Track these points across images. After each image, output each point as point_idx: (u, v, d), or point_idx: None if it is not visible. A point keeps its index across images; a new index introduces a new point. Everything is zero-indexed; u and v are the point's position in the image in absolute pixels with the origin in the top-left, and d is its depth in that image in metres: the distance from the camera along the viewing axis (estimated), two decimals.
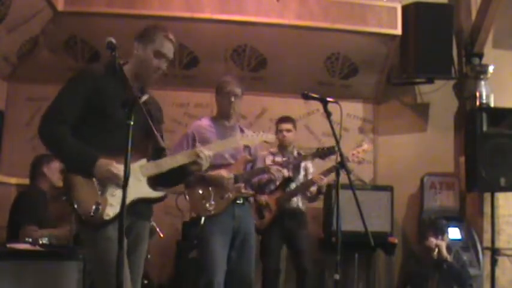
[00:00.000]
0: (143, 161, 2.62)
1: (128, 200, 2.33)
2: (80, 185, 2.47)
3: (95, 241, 2.48)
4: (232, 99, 3.61)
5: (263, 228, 4.60)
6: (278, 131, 4.78)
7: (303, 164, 4.68)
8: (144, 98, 2.61)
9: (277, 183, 4.53)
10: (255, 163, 3.84)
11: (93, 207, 2.44)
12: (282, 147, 4.79)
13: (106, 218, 2.48)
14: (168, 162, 2.63)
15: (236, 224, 3.56)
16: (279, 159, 4.67)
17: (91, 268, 2.56)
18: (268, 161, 4.63)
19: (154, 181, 2.65)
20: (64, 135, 2.50)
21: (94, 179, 2.50)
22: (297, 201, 4.69)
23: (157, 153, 2.67)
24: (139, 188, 2.56)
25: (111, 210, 2.49)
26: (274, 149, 4.81)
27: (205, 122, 3.73)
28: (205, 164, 2.71)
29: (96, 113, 2.54)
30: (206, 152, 2.70)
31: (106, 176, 2.48)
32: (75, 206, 2.44)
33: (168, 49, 2.66)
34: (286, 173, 4.44)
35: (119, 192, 2.47)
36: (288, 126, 4.78)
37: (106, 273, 2.41)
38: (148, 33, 2.65)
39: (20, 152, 5.32)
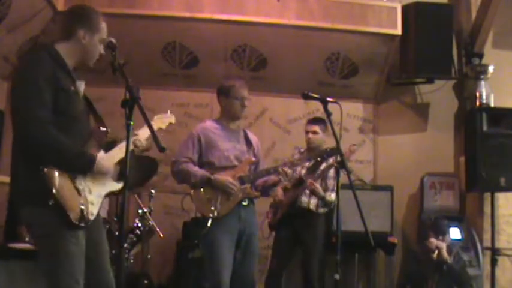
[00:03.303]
0: (101, 153, 2.61)
1: (104, 194, 2.46)
2: (62, 187, 2.39)
3: (63, 242, 2.40)
4: (247, 103, 3.67)
5: (273, 225, 4.61)
6: (306, 132, 4.73)
7: (322, 167, 4.52)
8: (83, 85, 2.62)
9: (287, 184, 4.50)
10: (258, 165, 3.84)
11: (80, 208, 2.42)
12: (309, 148, 4.70)
13: (91, 217, 2.48)
14: (117, 152, 2.62)
15: (242, 226, 3.58)
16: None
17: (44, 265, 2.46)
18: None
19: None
20: (58, 134, 2.43)
21: (71, 179, 2.44)
22: (308, 202, 4.59)
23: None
24: (107, 182, 2.60)
25: (94, 209, 2.51)
26: (303, 149, 4.76)
27: (210, 124, 3.73)
28: (142, 146, 2.72)
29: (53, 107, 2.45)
30: (141, 138, 2.70)
31: (106, 171, 2.52)
32: (66, 210, 2.37)
33: (106, 33, 2.67)
34: (290, 173, 4.41)
35: (94, 190, 2.51)
36: (314, 128, 4.67)
37: (64, 272, 2.39)
38: (93, 20, 2.63)
39: None
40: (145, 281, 4.66)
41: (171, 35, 5.38)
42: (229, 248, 3.51)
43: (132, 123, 2.31)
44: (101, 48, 2.65)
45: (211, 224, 3.45)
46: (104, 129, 2.66)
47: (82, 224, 2.42)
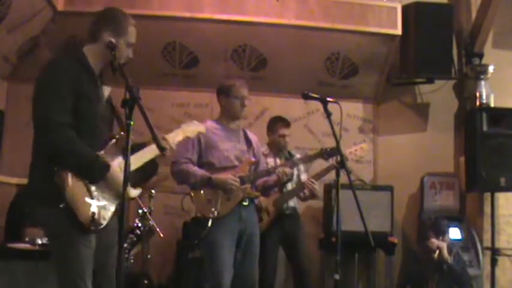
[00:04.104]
0: (120, 158, 2.60)
1: (117, 200, 2.43)
2: (74, 190, 2.40)
3: (73, 243, 2.41)
4: (247, 103, 3.67)
5: (261, 231, 4.58)
6: (278, 134, 4.69)
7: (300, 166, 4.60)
8: (108, 90, 2.64)
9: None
10: (258, 165, 3.84)
11: (91, 212, 2.42)
12: (278, 149, 4.71)
13: (103, 222, 2.48)
14: (138, 159, 2.64)
15: (242, 226, 3.57)
16: (271, 160, 4.63)
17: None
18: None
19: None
20: (77, 139, 2.44)
21: (85, 183, 2.44)
22: (294, 202, 4.66)
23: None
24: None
25: (107, 214, 2.50)
26: (265, 149, 4.74)
27: (210, 124, 3.72)
28: (172, 149, 2.78)
29: (74, 112, 2.48)
30: (170, 142, 2.76)
31: (119, 182, 2.46)
32: (77, 213, 2.38)
33: (135, 37, 2.69)
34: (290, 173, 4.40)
35: (108, 194, 2.51)
36: (289, 131, 4.72)
37: (73, 272, 2.40)
38: (120, 23, 2.63)
39: (20, 152, 5.25)
40: (145, 281, 4.66)
41: (171, 35, 5.37)
42: (229, 248, 3.50)
43: (132, 123, 2.30)
44: (129, 52, 2.66)
45: (212, 224, 3.45)
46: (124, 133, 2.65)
47: (93, 228, 2.42)
